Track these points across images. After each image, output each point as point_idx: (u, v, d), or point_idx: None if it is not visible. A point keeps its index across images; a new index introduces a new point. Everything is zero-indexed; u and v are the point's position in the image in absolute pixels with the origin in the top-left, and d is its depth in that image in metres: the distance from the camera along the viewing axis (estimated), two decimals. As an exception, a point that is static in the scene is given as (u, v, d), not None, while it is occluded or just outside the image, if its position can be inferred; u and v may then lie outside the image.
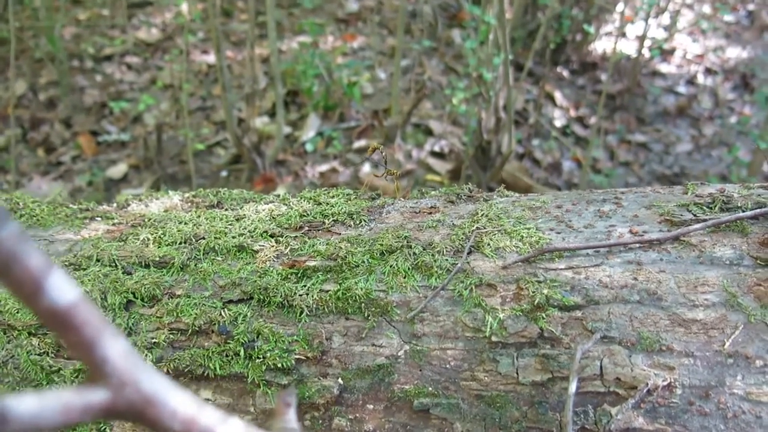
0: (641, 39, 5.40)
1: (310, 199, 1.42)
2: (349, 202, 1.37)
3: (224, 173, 4.36)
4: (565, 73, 6.08)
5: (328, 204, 1.36)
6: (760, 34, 7.06)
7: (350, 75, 5.05)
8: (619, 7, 6.26)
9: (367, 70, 5.36)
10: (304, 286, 1.13)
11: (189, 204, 1.51)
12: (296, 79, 4.99)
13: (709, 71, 6.49)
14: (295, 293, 1.12)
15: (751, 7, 7.26)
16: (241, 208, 1.40)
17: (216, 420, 0.52)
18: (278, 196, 1.49)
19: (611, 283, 1.05)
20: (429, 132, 4.80)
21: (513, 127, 4.07)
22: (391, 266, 1.13)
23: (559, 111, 5.56)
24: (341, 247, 1.19)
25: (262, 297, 1.13)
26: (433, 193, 1.45)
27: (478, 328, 1.04)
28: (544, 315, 1.03)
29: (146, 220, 1.38)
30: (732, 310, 0.99)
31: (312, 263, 1.17)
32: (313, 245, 1.22)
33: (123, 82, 5.45)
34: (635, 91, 5.99)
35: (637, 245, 1.11)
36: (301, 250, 1.21)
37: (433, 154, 4.58)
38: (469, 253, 1.14)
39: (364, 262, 1.15)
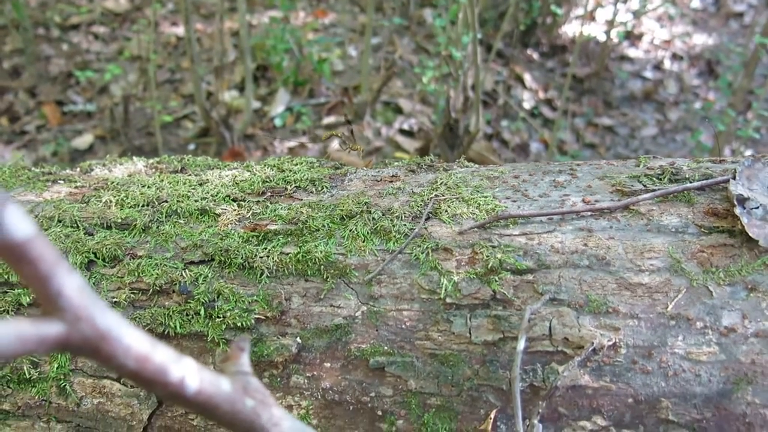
0: (610, 23, 5.46)
1: (274, 166, 1.43)
2: (311, 169, 1.39)
3: (192, 146, 4.34)
4: (535, 56, 6.13)
5: (290, 171, 1.38)
6: (725, 22, 7.17)
7: (321, 51, 5.04)
8: (590, -10, 6.30)
9: (338, 47, 5.35)
10: (265, 248, 1.15)
11: (153, 170, 1.52)
12: (266, 53, 4.96)
13: (675, 57, 6.58)
14: (255, 255, 1.14)
15: (718, -6, 7.36)
16: (204, 174, 1.41)
17: (169, 358, 0.54)
18: (242, 163, 1.50)
19: (562, 248, 1.09)
20: (398, 110, 4.82)
21: (481, 107, 4.11)
22: (350, 230, 1.16)
23: (528, 93, 5.61)
24: (302, 212, 1.21)
25: (223, 258, 1.15)
26: (396, 163, 1.48)
27: (433, 290, 1.07)
28: (497, 278, 1.06)
29: (109, 183, 1.39)
30: (676, 275, 1.04)
31: (273, 227, 1.19)
32: (275, 210, 1.23)
33: (90, 51, 5.36)
34: (603, 75, 6.06)
35: (589, 213, 1.15)
36: (263, 215, 1.23)
37: (402, 132, 4.60)
38: (427, 219, 1.17)
39: (324, 226, 1.18)
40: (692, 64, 6.54)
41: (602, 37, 5.82)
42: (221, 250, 1.15)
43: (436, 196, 1.23)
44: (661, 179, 1.21)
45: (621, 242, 1.09)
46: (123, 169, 1.53)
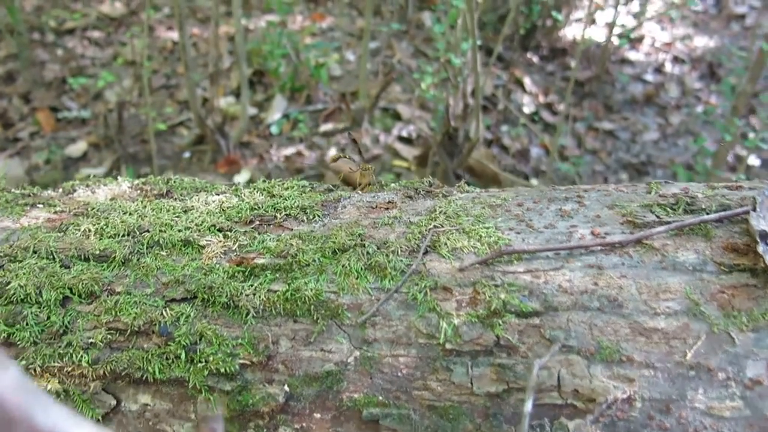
0: (610, 26, 5.38)
1: (264, 190, 1.35)
2: (303, 195, 1.31)
3: (187, 154, 4.26)
4: (535, 59, 6.05)
5: (281, 197, 1.30)
6: (727, 24, 7.10)
7: (318, 56, 4.96)
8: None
9: (336, 52, 5.27)
10: (251, 285, 1.07)
11: (138, 191, 1.44)
12: (263, 58, 4.88)
13: (676, 60, 6.51)
14: (241, 293, 1.06)
15: (719, -4, 7.29)
16: (190, 199, 1.33)
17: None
18: (231, 185, 1.42)
19: (571, 288, 1.01)
20: (397, 116, 4.74)
21: (481, 114, 4.03)
22: (343, 266, 1.08)
23: (528, 97, 5.54)
24: (292, 244, 1.13)
25: (206, 296, 1.07)
26: (392, 185, 1.40)
27: (431, 335, 0.99)
28: (500, 321, 0.98)
29: (89, 209, 1.31)
30: (695, 318, 0.96)
31: (260, 261, 1.11)
32: (263, 241, 1.16)
33: (84, 57, 5.29)
34: (604, 79, 5.99)
35: (599, 248, 1.07)
36: (250, 246, 1.15)
37: (401, 139, 4.52)
38: (425, 253, 1.10)
39: (315, 260, 1.10)
40: (694, 67, 6.47)
41: (603, 41, 5.74)
42: (205, 287, 1.07)
43: (435, 227, 1.15)
44: (675, 209, 1.13)
45: (634, 281, 1.01)
46: (107, 190, 1.45)
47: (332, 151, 4.26)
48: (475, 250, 1.09)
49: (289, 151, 4.27)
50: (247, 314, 1.05)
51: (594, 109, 5.74)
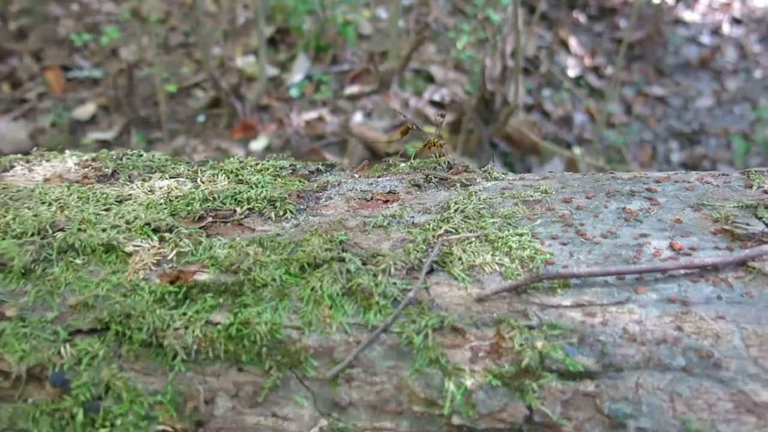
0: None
1: (231, 172, 1.04)
2: (276, 180, 1.00)
3: (202, 118, 3.96)
4: (582, 19, 5.61)
5: (248, 184, 0.98)
6: (790, -18, 6.55)
7: (346, 13, 4.59)
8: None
9: (366, 8, 4.89)
10: (184, 314, 0.76)
11: (85, 170, 1.14)
12: (287, 15, 4.53)
13: (735, 21, 6.01)
14: (168, 326, 0.75)
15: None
16: (133, 184, 1.02)
17: None
18: (192, 165, 1.11)
19: (642, 334, 0.68)
20: (430, 79, 4.37)
21: (521, 77, 3.65)
22: (312, 289, 0.76)
23: (573, 59, 5.12)
24: (248, 254, 0.81)
25: (122, 328, 0.76)
26: (402, 165, 1.07)
27: (432, 401, 0.67)
28: (535, 385, 0.66)
29: (5, 195, 1.01)
30: (834, 392, 0.63)
31: (202, 277, 0.80)
32: (211, 248, 0.84)
33: (100, 13, 5.00)
34: (656, 40, 5.53)
35: (683, 272, 0.73)
36: (192, 255, 0.84)
37: (433, 103, 4.16)
38: (430, 272, 0.77)
39: (275, 280, 0.78)
40: (753, 29, 5.97)
41: (657, -1, 5.27)
42: (121, 315, 0.76)
43: (446, 232, 0.82)
44: (792, 215, 0.78)
45: (737, 326, 0.68)
46: (48, 168, 1.15)
47: (357, 118, 3.92)
48: (502, 269, 0.76)
49: (311, 115, 3.94)
50: (174, 357, 0.74)
51: (644, 73, 5.30)
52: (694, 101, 5.23)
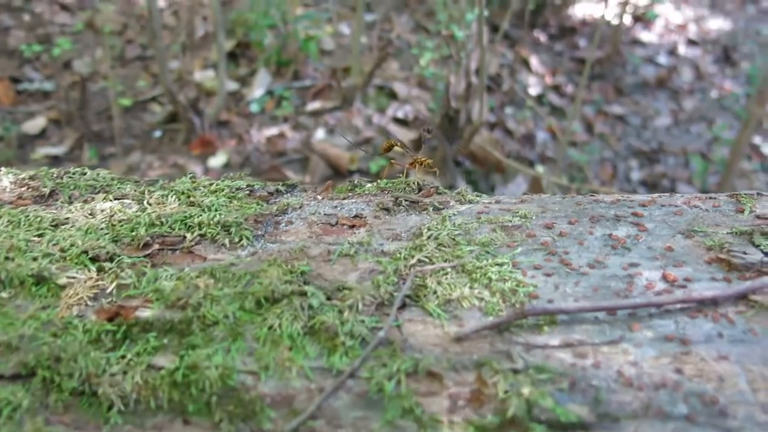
0: (623, 4, 4.96)
1: (183, 194, 0.95)
2: (232, 203, 0.91)
3: (158, 133, 3.83)
4: (542, 38, 5.63)
5: (201, 207, 0.89)
6: (742, 6, 6.70)
7: (308, 28, 4.52)
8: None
9: (328, 24, 4.83)
10: (123, 356, 0.67)
11: (21, 189, 1.03)
12: (247, 29, 4.44)
13: (690, 42, 6.12)
14: (105, 370, 0.66)
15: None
16: (72, 206, 0.92)
17: None
18: (140, 184, 1.02)
19: (639, 378, 0.61)
20: (393, 95, 4.32)
21: (485, 94, 3.61)
22: (270, 328, 0.68)
23: (534, 78, 5.12)
24: (198, 286, 0.72)
25: (50, 374, 0.66)
26: (367, 186, 0.99)
27: (406, 458, 0.59)
28: (522, 439, 0.58)
29: (-74, 218, 0.90)
30: None
31: (145, 314, 0.71)
32: (156, 279, 0.75)
33: (53, 24, 4.85)
34: (614, 60, 5.58)
35: (678, 306, 0.67)
36: (135, 288, 0.74)
37: (396, 120, 4.10)
38: (402, 307, 0.69)
39: (228, 316, 0.69)
40: (708, 51, 6.09)
41: (614, 19, 5.32)
42: (50, 359, 0.67)
43: (419, 261, 0.74)
44: (792, 243, 0.72)
45: (742, 368, 0.61)
46: (-20, 187, 1.05)
47: (319, 134, 3.84)
48: (482, 304, 0.69)
49: (272, 131, 3.84)
50: (110, 408, 0.65)
51: (604, 92, 5.33)
52: (653, 120, 5.29)
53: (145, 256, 0.80)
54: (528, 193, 0.98)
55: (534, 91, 4.96)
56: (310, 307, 0.69)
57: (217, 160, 3.60)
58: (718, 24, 6.35)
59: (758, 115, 4.01)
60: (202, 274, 0.75)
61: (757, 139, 4.95)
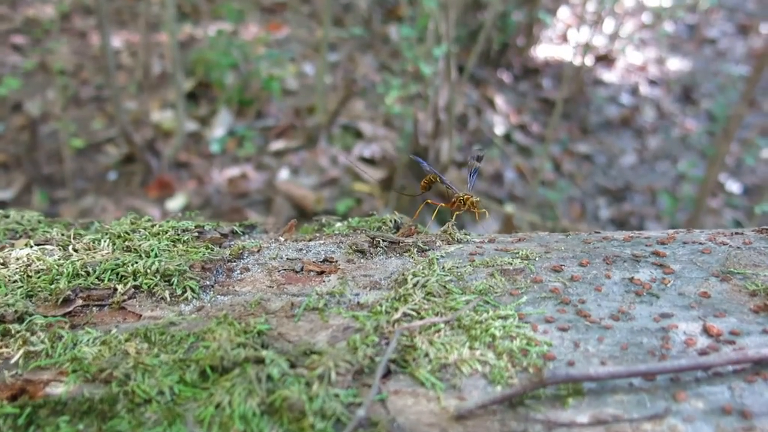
0: (586, 46, 4.97)
1: (119, 237, 0.79)
2: (176, 247, 0.76)
3: (113, 175, 3.65)
4: (506, 78, 5.61)
5: (138, 251, 0.74)
6: (699, 47, 6.82)
7: (271, 67, 4.40)
8: (563, 13, 5.92)
9: (291, 63, 4.72)
10: (24, 450, 0.51)
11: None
12: (208, 68, 4.31)
13: (651, 82, 6.19)
14: (-3, 470, 0.50)
15: (690, 20, 7.07)
16: (-17, 253, 0.77)
17: None
18: (71, 227, 0.86)
19: (696, 466, 0.47)
20: (359, 134, 4.20)
21: (454, 132, 3.52)
22: (218, 406, 0.52)
23: (499, 117, 5.07)
24: (127, 353, 0.57)
25: (-75, 475, 0.50)
26: (337, 226, 0.86)
27: None
28: None
29: None
30: None
31: (58, 389, 0.55)
32: (75, 344, 0.59)
33: (4, 65, 4.66)
34: (579, 100, 5.59)
35: (731, 368, 0.54)
36: (48, 357, 0.59)
37: (363, 160, 3.98)
38: (387, 375, 0.55)
39: (164, 392, 0.54)
40: (668, 90, 6.16)
41: (578, 61, 5.32)
42: (-74, 454, 0.51)
43: (405, 316, 0.60)
44: None
45: (824, 449, 0.48)
46: None
47: (283, 175, 3.69)
48: (486, 370, 0.55)
49: (233, 172, 3.69)
50: None
51: (569, 131, 5.31)
52: (618, 159, 5.28)
53: (64, 315, 0.64)
54: (502, 232, 0.85)
55: (500, 130, 4.91)
56: (269, 378, 0.54)
57: (175, 203, 3.43)
58: (677, 64, 6.45)
59: (724, 152, 4.00)
60: (133, 337, 0.59)
61: (721, 177, 4.96)
